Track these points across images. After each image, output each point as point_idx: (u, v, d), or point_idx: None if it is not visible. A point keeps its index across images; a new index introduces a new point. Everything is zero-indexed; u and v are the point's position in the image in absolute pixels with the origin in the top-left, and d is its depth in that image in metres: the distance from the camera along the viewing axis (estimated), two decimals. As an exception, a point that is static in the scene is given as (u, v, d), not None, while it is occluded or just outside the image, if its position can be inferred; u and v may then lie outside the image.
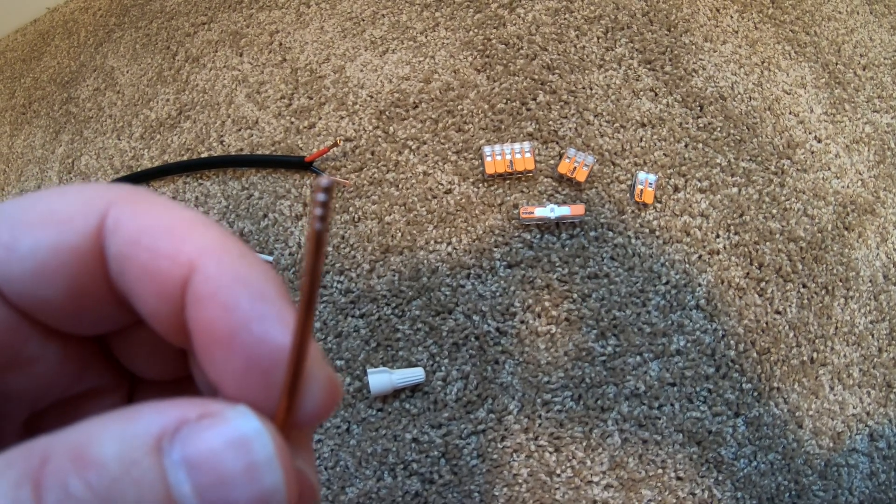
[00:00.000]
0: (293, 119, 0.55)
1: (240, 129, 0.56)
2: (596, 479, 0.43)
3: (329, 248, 0.50)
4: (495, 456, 0.44)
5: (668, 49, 0.55)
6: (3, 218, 0.10)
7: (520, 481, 0.43)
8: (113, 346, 0.12)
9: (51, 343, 0.11)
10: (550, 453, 0.44)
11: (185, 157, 0.57)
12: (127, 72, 0.65)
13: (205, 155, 0.56)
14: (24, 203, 0.10)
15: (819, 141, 0.53)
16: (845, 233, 0.50)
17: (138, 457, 0.08)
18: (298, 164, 0.51)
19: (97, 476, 0.08)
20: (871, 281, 0.49)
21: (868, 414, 0.46)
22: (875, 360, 0.47)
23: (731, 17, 0.57)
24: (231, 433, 0.09)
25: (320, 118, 0.55)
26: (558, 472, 0.44)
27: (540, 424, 0.44)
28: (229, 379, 0.10)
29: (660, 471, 0.43)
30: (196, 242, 0.10)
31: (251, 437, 0.09)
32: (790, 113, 0.53)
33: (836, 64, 0.56)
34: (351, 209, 0.51)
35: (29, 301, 0.10)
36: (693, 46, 0.55)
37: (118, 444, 0.08)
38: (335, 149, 0.52)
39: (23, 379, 0.11)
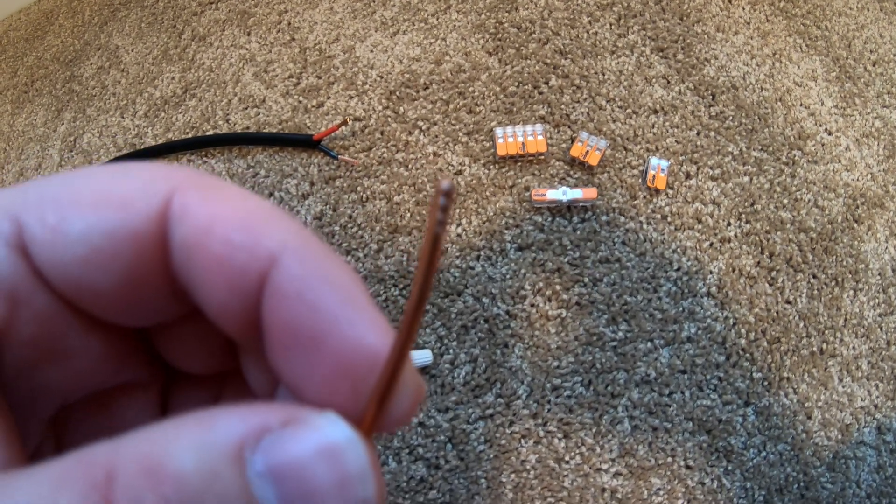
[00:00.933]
0: (301, 98, 0.54)
1: (246, 108, 0.55)
2: (605, 466, 0.43)
3: (336, 228, 0.49)
4: (503, 441, 0.43)
5: (681, 38, 0.54)
6: (48, 197, 0.09)
7: (528, 468, 0.43)
8: (155, 339, 0.12)
9: (92, 335, 0.10)
10: (559, 439, 0.43)
11: (189, 136, 0.56)
12: (132, 50, 0.64)
13: (210, 133, 0.55)
14: (73, 181, 0.09)
15: (830, 133, 0.53)
16: (855, 225, 0.50)
17: (219, 468, 0.07)
18: (306, 143, 0.50)
19: (176, 491, 0.07)
20: (880, 274, 0.49)
21: (876, 407, 0.46)
22: (883, 353, 0.47)
23: (743, 8, 0.57)
24: (321, 442, 0.08)
25: (329, 97, 0.54)
26: (567, 458, 0.43)
27: (549, 410, 0.44)
28: (311, 382, 0.09)
29: (669, 459, 0.43)
30: (276, 236, 0.09)
31: (343, 446, 0.08)
32: (801, 105, 0.53)
33: (847, 59, 0.56)
34: (359, 188, 0.50)
35: (76, 289, 0.09)
36: (705, 36, 0.55)
37: (196, 454, 0.07)
38: (344, 128, 0.51)
39: (58, 372, 0.10)
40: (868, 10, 0.59)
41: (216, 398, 0.12)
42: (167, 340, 0.12)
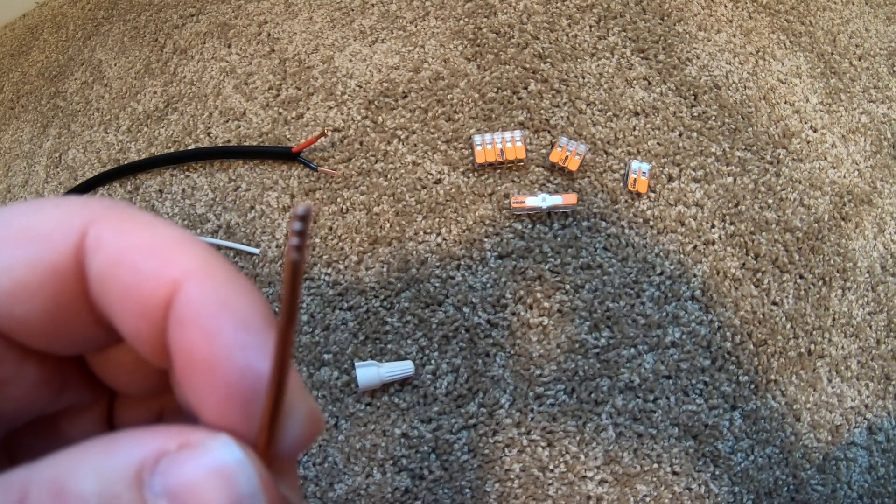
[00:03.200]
0: (281, 110, 0.54)
1: (227, 121, 0.55)
2: (590, 474, 0.42)
3: (316, 240, 0.49)
4: (487, 451, 0.43)
5: (662, 38, 0.54)
6: None
7: (512, 477, 0.42)
8: (92, 364, 0.12)
9: (27, 363, 0.11)
10: (543, 448, 0.43)
11: (172, 150, 0.56)
12: (115, 65, 0.64)
13: (192, 147, 0.55)
14: None
15: (815, 131, 0.52)
16: (842, 223, 0.49)
17: (119, 491, 0.08)
18: (286, 155, 0.50)
19: None
20: (868, 272, 0.48)
21: (866, 407, 0.45)
22: (873, 352, 0.47)
23: (725, 6, 0.56)
24: (213, 463, 0.08)
25: (308, 108, 0.54)
26: (551, 467, 0.42)
27: (532, 419, 0.43)
28: (209, 406, 0.09)
29: (655, 465, 0.42)
30: (181, 263, 0.10)
31: (234, 467, 0.09)
32: (785, 102, 0.53)
33: (832, 54, 0.55)
34: (339, 200, 0.50)
35: (4, 321, 0.10)
36: (687, 35, 0.54)
37: (98, 477, 0.08)
38: (323, 139, 0.51)
39: None
40: (853, 3, 0.58)
41: (159, 415, 0.13)
42: (103, 365, 0.12)
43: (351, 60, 0.55)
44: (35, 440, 0.12)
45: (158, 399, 0.13)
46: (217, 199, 0.52)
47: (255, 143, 0.53)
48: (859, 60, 0.56)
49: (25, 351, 0.10)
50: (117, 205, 0.10)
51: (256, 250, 0.49)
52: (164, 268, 0.09)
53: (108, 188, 0.57)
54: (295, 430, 0.10)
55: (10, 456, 0.11)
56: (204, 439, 0.09)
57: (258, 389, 0.09)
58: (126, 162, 0.57)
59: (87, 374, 0.12)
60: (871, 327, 0.47)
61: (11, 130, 0.65)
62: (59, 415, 0.12)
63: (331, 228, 0.49)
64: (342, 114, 0.53)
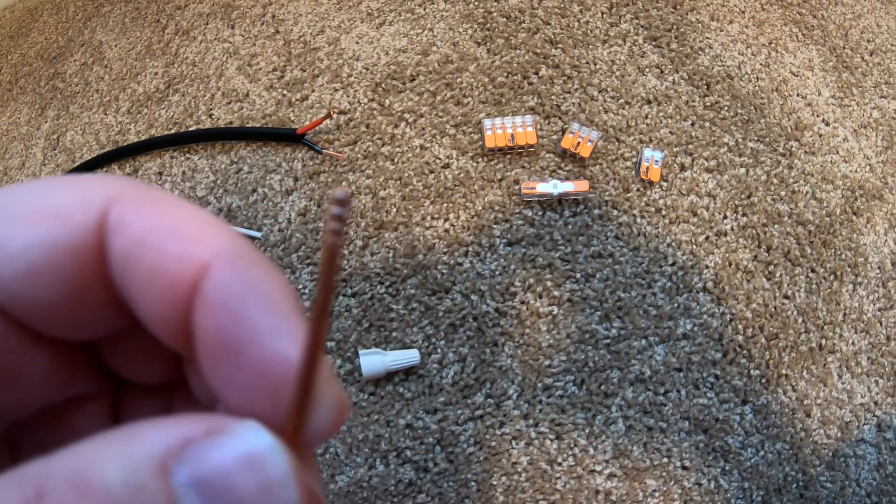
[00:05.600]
0: (285, 91, 0.53)
1: (230, 102, 0.54)
2: (599, 468, 0.41)
3: (321, 224, 0.48)
4: (493, 443, 0.42)
5: (674, 26, 0.53)
6: None
7: (519, 470, 0.41)
8: (102, 351, 0.12)
9: (39, 351, 0.10)
10: (551, 441, 0.42)
11: (172, 131, 0.54)
12: (115, 46, 0.62)
13: (193, 129, 0.54)
14: (12, 195, 0.09)
15: (827, 124, 0.51)
16: (854, 218, 0.49)
17: (144, 481, 0.08)
18: (290, 137, 0.49)
19: None
20: (879, 267, 0.48)
21: (876, 403, 0.45)
22: (883, 348, 0.46)
23: (738, -3, 0.56)
24: (243, 450, 0.08)
25: (313, 90, 0.52)
26: (559, 460, 0.41)
27: (540, 410, 0.42)
28: (235, 391, 0.09)
29: (665, 460, 0.42)
30: (208, 245, 0.09)
31: (265, 453, 0.08)
32: (798, 95, 0.52)
33: (844, 48, 0.55)
34: (344, 183, 0.49)
35: (19, 305, 0.09)
36: (699, 25, 0.54)
37: (122, 468, 0.08)
38: (328, 121, 0.50)
39: (5, 391, 0.10)
40: (865, -2, 0.57)
41: (167, 407, 0.13)
42: (115, 352, 0.12)
43: (358, 42, 0.54)
44: (39, 431, 0.11)
45: (167, 390, 0.12)
46: (218, 182, 0.51)
47: (258, 125, 0.52)
48: (871, 56, 0.55)
49: (38, 337, 0.10)
50: (138, 184, 0.10)
51: (258, 234, 0.48)
52: (191, 250, 0.09)
53: (106, 170, 0.55)
54: (323, 417, 0.10)
55: (13, 447, 0.11)
56: (232, 425, 0.08)
57: (287, 375, 0.09)
58: (125, 144, 0.55)
59: (94, 362, 0.12)
60: (881, 323, 0.46)
61: (9, 112, 0.63)
62: (64, 406, 0.11)
63: (335, 213, 0.48)
64: (348, 96, 0.52)
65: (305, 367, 0.09)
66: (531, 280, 0.45)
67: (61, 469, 0.07)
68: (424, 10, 0.55)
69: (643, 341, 0.43)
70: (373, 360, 0.42)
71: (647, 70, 0.51)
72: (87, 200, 0.09)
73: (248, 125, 0.52)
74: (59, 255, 0.09)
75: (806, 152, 0.50)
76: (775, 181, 0.48)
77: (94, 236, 0.09)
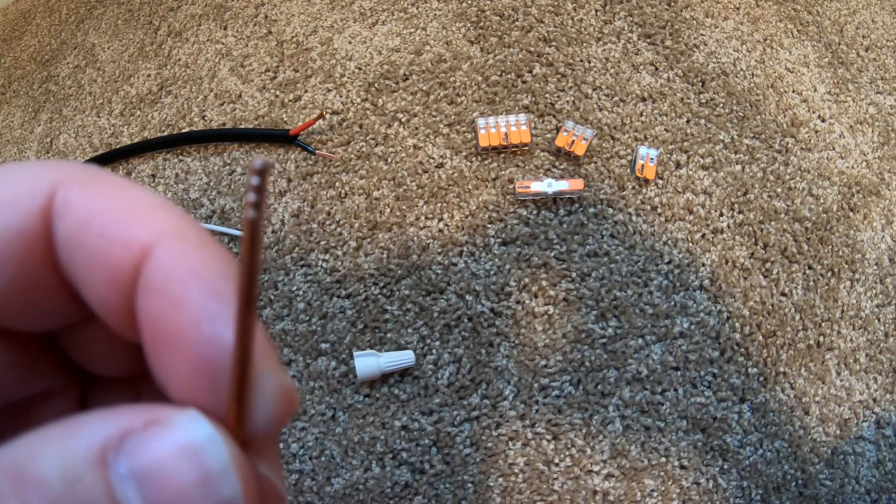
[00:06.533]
0: (278, 92, 0.53)
1: (222, 104, 0.54)
2: (596, 468, 0.41)
3: (314, 225, 0.47)
4: (490, 444, 0.41)
5: (669, 24, 0.53)
6: None
7: (516, 471, 0.41)
8: (63, 343, 0.11)
9: None
10: (548, 441, 0.41)
11: (165, 134, 0.54)
12: (108, 48, 0.62)
13: (186, 130, 0.53)
14: None
15: (823, 120, 0.51)
16: (850, 214, 0.48)
17: (81, 472, 0.07)
18: (283, 138, 0.49)
19: (38, 497, 0.07)
20: (876, 264, 0.47)
21: (875, 401, 0.45)
22: (881, 344, 0.46)
23: (733, -7, 0.55)
24: (182, 440, 0.08)
25: (306, 91, 0.52)
26: (556, 461, 0.41)
27: (537, 411, 0.42)
28: (177, 380, 0.09)
29: (663, 459, 0.41)
30: (151, 227, 0.09)
31: (204, 444, 0.08)
32: (793, 91, 0.52)
33: (839, 44, 0.55)
34: (337, 184, 0.48)
35: None
36: (694, 22, 0.53)
37: (59, 460, 0.07)
38: (321, 122, 0.50)
39: None
40: (860, -7, 0.57)
41: (135, 400, 0.12)
42: (75, 343, 0.11)
43: (350, 42, 0.54)
44: (4, 429, 0.11)
45: (134, 383, 0.12)
46: (211, 184, 0.51)
47: (251, 126, 0.52)
48: (866, 51, 0.55)
49: None
50: (87, 167, 0.10)
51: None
52: (133, 232, 0.09)
53: (97, 172, 0.55)
54: (266, 406, 0.09)
55: None
56: (171, 415, 0.08)
57: (225, 361, 0.09)
58: (118, 146, 0.55)
59: (58, 355, 0.11)
60: (879, 320, 0.46)
61: (2, 116, 0.63)
62: (29, 401, 0.11)
63: (329, 213, 0.48)
64: (341, 96, 0.51)
65: (238, 353, 0.08)
66: (526, 280, 0.45)
67: (0, 461, 0.07)
68: (417, 9, 0.54)
69: (640, 340, 0.43)
70: (367, 362, 0.41)
71: (641, 67, 0.51)
72: (33, 185, 0.09)
73: (240, 126, 0.52)
74: (6, 242, 0.09)
75: (802, 149, 0.50)
76: (771, 178, 0.48)
77: (41, 221, 0.09)
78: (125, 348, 0.11)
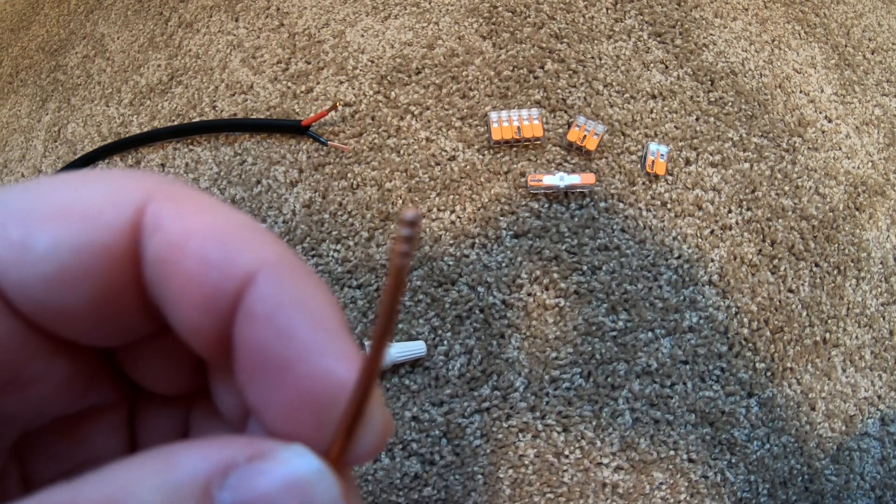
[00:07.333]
0: (290, 84, 0.53)
1: (233, 94, 0.54)
2: (606, 460, 0.41)
3: (326, 216, 0.47)
4: (500, 436, 0.42)
5: (678, 23, 0.53)
6: (11, 210, 0.08)
7: (526, 462, 0.41)
8: (121, 357, 0.11)
9: (57, 358, 0.09)
10: (558, 433, 0.42)
11: (175, 123, 0.54)
12: (117, 38, 0.62)
13: (196, 120, 0.53)
14: (37, 191, 0.08)
15: (830, 121, 0.52)
16: (856, 213, 0.49)
17: None
18: (294, 129, 0.49)
19: None
20: (882, 263, 0.48)
21: (879, 397, 0.45)
22: (886, 342, 0.46)
23: (741, -6, 0.56)
24: (289, 475, 0.08)
25: (318, 83, 0.52)
26: (566, 452, 0.41)
27: (547, 402, 0.42)
28: (276, 409, 0.09)
29: (672, 452, 0.41)
30: (253, 253, 0.09)
31: (312, 479, 0.08)
32: (801, 91, 0.52)
33: (846, 46, 0.55)
34: (349, 175, 0.48)
35: (42, 310, 0.09)
36: (703, 21, 0.54)
37: (161, 495, 0.07)
38: (334, 113, 0.50)
39: (19, 400, 0.09)
40: (866, -3, 0.58)
41: (185, 418, 0.12)
42: (135, 359, 0.11)
43: (363, 35, 0.54)
44: (51, 443, 0.11)
45: (185, 401, 0.12)
46: (222, 174, 0.51)
47: (262, 117, 0.52)
48: (872, 54, 0.56)
49: (58, 344, 0.09)
50: (173, 181, 0.09)
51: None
52: (235, 258, 0.09)
53: (108, 162, 0.55)
54: (370, 440, 0.09)
55: (22, 459, 0.10)
56: (276, 449, 0.08)
57: (335, 396, 0.09)
58: (127, 135, 0.55)
59: (113, 370, 0.11)
60: (884, 318, 0.46)
61: (9, 105, 0.63)
62: (78, 416, 0.11)
63: (341, 204, 0.48)
64: (353, 88, 0.51)
65: (360, 389, 0.08)
66: (538, 272, 0.45)
67: (93, 496, 0.07)
68: (430, 3, 0.55)
69: (649, 334, 0.43)
70: (379, 352, 0.41)
71: (651, 65, 0.51)
72: (119, 197, 0.09)
73: (252, 117, 0.52)
74: (90, 257, 0.08)
75: (809, 148, 0.50)
76: (779, 176, 0.49)
77: (128, 237, 0.09)
78: (183, 367, 0.11)
